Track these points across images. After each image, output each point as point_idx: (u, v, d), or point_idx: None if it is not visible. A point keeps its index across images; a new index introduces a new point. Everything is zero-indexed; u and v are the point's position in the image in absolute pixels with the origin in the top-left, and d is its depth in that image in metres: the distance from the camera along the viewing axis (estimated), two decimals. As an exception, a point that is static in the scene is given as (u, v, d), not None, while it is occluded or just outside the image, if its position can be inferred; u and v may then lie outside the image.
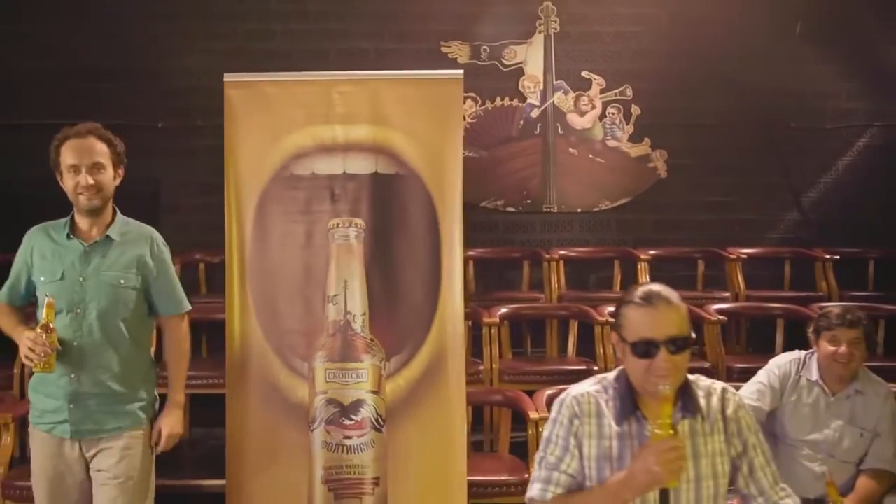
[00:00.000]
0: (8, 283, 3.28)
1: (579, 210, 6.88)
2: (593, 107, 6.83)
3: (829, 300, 6.32)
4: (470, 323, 5.70)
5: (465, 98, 6.73)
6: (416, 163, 3.55)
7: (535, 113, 6.81)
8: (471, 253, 6.55)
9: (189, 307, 3.36)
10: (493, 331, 5.26)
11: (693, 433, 2.26)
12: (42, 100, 6.49)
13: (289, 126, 3.56)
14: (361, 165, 3.56)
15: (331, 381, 3.50)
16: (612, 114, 6.84)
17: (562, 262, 6.59)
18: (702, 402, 2.29)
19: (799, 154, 6.93)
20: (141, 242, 3.26)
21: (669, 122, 6.84)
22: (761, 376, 3.57)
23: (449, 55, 6.77)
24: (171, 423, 3.24)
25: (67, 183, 3.17)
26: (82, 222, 3.21)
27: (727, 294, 6.36)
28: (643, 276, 6.46)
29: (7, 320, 3.25)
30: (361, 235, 3.54)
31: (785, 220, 6.95)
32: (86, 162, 3.12)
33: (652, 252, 6.60)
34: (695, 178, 6.85)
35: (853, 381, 3.48)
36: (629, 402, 2.26)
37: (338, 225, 3.54)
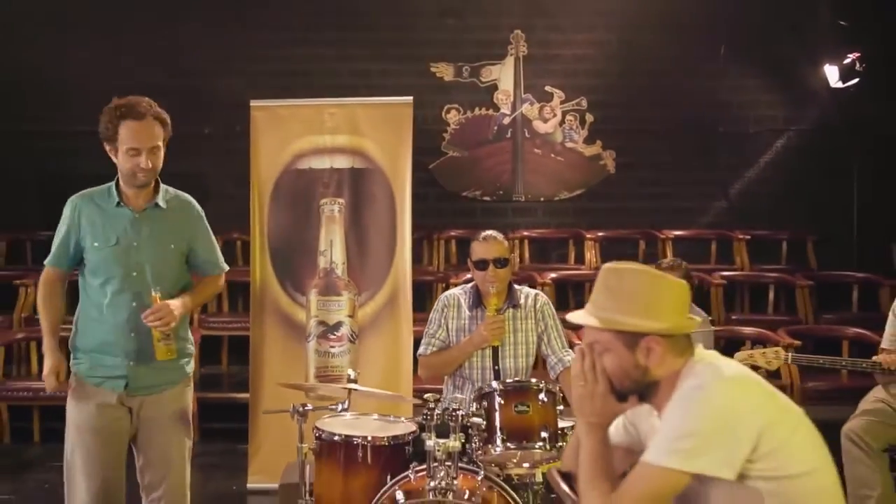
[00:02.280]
0: (55, 250, 3.39)
1: (542, 199, 8.34)
2: (554, 115, 8.29)
3: (742, 270, 7.81)
4: (444, 285, 7.32)
5: (450, 108, 8.30)
6: (380, 161, 5.15)
7: (506, 120, 8.29)
8: (453, 233, 8.08)
9: (226, 267, 3.65)
10: (457, 289, 6.86)
11: (514, 317, 3.84)
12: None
13: (294, 136, 5.18)
14: (343, 162, 5.17)
15: (320, 308, 5.12)
16: (570, 121, 8.28)
17: (526, 241, 8.12)
18: (521, 300, 3.88)
19: (726, 154, 8.28)
20: (184, 209, 3.50)
21: (617, 128, 8.24)
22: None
23: (437, 74, 8.27)
24: (176, 306, 3.30)
25: (124, 163, 3.27)
26: (129, 192, 3.35)
27: (674, 258, 7.83)
28: (590, 252, 7.97)
29: (52, 310, 3.41)
30: (342, 210, 5.15)
31: (713, 207, 8.32)
32: (146, 146, 3.25)
33: (600, 233, 8.07)
34: (638, 174, 8.24)
35: (680, 311, 4.99)
36: (476, 298, 3.86)
37: (326, 203, 5.15)
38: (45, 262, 3.43)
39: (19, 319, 6.89)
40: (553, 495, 3.12)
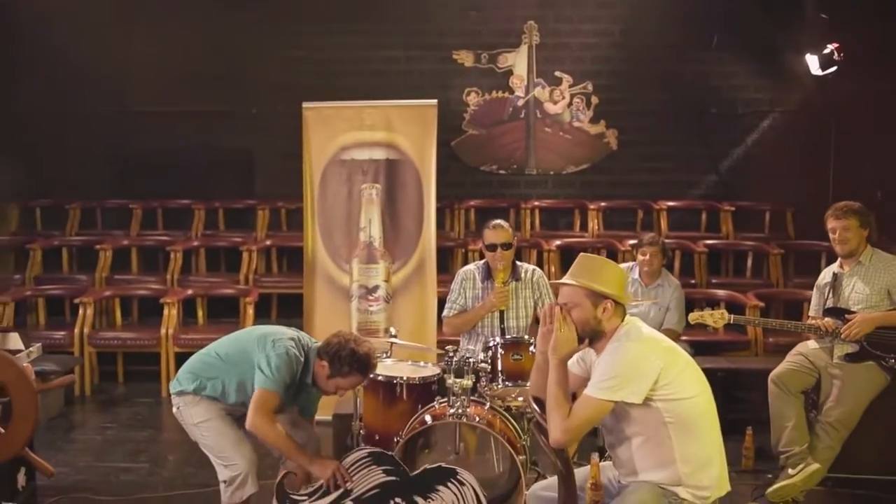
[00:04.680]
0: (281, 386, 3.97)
1: (552, 173, 9.35)
2: (563, 97, 9.25)
3: (726, 239, 8.81)
4: (464, 250, 8.39)
5: (470, 91, 9.28)
6: (410, 153, 6.21)
7: (520, 102, 9.26)
8: (472, 203, 9.11)
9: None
10: (473, 254, 7.96)
11: (517, 288, 4.92)
12: (174, 92, 9.07)
13: (338, 132, 6.23)
14: (379, 154, 6.23)
15: (361, 274, 6.23)
16: (577, 103, 9.25)
17: (537, 211, 9.14)
18: (522, 274, 4.95)
19: (717, 133, 9.18)
20: None
21: (620, 109, 9.19)
22: (606, 276, 6.14)
23: (458, 60, 9.22)
24: None
25: (330, 386, 4.01)
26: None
27: (653, 234, 8.84)
28: (594, 221, 8.98)
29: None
30: (379, 194, 6.22)
31: (704, 181, 9.28)
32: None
33: (602, 204, 9.06)
34: (638, 150, 9.20)
35: (657, 278, 6.00)
36: (487, 272, 4.95)
37: (366, 188, 6.22)
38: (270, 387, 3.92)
39: (100, 279, 8.06)
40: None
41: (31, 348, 3.97)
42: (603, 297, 3.18)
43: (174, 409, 4.18)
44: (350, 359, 3.92)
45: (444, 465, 3.92)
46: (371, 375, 4.40)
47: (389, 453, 3.94)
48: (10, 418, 2.97)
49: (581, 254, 3.40)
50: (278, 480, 3.97)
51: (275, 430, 3.91)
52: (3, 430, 2.98)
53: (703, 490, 3.11)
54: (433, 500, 3.85)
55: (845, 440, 4.73)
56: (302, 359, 4.00)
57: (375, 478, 3.88)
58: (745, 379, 6.33)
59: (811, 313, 5.09)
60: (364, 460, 3.90)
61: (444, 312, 5.04)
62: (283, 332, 4.10)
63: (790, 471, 4.65)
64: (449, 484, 3.84)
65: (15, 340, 3.96)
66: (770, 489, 4.67)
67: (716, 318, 4.97)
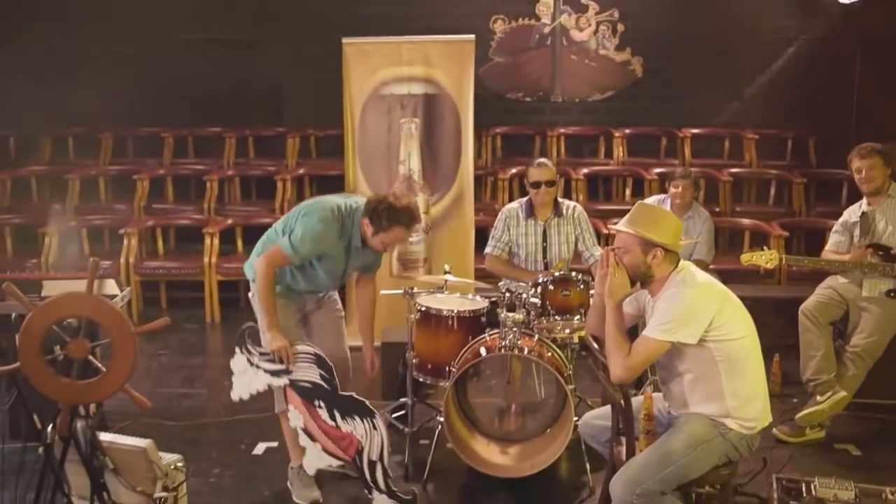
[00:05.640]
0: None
1: (577, 100, 9.44)
2: (589, 25, 9.28)
3: (749, 167, 8.96)
4: (493, 178, 8.56)
5: (496, 19, 9.32)
6: (448, 87, 6.34)
7: (546, 30, 9.30)
8: (498, 130, 9.24)
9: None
10: (503, 183, 8.14)
11: (559, 223, 5.13)
12: (200, 21, 9.12)
13: (378, 67, 6.34)
14: (418, 89, 6.36)
15: (401, 206, 6.42)
16: (603, 30, 9.27)
17: (563, 138, 9.27)
18: (564, 210, 5.16)
19: (741, 60, 9.24)
20: None
21: (645, 37, 9.23)
22: (638, 208, 6.33)
23: (484, -13, 9.28)
24: None
25: (377, 244, 4.14)
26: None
27: (676, 161, 9.00)
28: (619, 148, 9.12)
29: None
30: (418, 128, 6.37)
31: (728, 108, 9.37)
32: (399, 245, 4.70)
33: (627, 131, 9.19)
34: (663, 78, 9.28)
35: (688, 210, 6.17)
36: (530, 210, 5.15)
37: (405, 122, 6.37)
38: (286, 251, 4.06)
39: (139, 208, 8.26)
40: (584, 352, 4.47)
41: (123, 292, 4.22)
42: (653, 245, 3.39)
43: (249, 295, 4.31)
44: (388, 213, 3.97)
45: (368, 403, 4.09)
46: (421, 308, 4.64)
47: (329, 364, 4.07)
48: (111, 359, 3.21)
49: (639, 202, 3.64)
50: (244, 327, 4.11)
51: (267, 283, 4.02)
52: (105, 370, 3.22)
53: (749, 422, 3.38)
54: (347, 423, 4.04)
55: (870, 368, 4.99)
56: (338, 225, 4.06)
57: (312, 376, 4.05)
58: (770, 306, 6.57)
59: (831, 249, 5.25)
60: (309, 356, 4.06)
61: (488, 249, 5.25)
62: (326, 202, 4.16)
63: (818, 398, 4.92)
64: (364, 420, 4.04)
65: (111, 286, 4.19)
66: (799, 415, 4.94)
67: (767, 258, 5.06)
